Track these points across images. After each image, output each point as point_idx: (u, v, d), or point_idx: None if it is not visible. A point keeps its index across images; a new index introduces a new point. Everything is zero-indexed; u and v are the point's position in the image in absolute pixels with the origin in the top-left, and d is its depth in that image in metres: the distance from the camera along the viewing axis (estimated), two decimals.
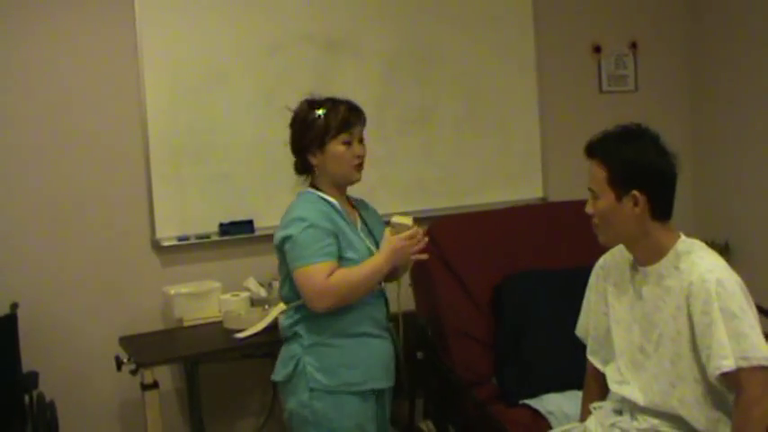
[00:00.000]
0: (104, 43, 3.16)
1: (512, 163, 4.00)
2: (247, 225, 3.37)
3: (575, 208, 3.28)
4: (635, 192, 1.95)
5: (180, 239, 3.28)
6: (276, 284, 3.24)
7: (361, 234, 2.37)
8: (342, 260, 2.25)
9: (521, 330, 2.86)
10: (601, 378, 2.22)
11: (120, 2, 3.16)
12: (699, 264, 1.94)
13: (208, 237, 3.33)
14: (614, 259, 2.18)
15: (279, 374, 2.33)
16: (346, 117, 2.32)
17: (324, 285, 2.18)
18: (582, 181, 2.07)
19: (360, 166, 2.35)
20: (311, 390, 2.24)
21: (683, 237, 2.02)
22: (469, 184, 3.87)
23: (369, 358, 2.32)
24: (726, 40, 4.27)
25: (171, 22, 3.23)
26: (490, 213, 3.41)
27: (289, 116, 2.37)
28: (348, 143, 2.31)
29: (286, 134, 2.35)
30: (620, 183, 1.96)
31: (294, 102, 2.36)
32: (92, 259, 3.17)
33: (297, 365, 2.26)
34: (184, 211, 3.29)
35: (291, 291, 2.31)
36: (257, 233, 3.38)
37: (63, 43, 3.09)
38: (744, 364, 1.83)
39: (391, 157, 3.62)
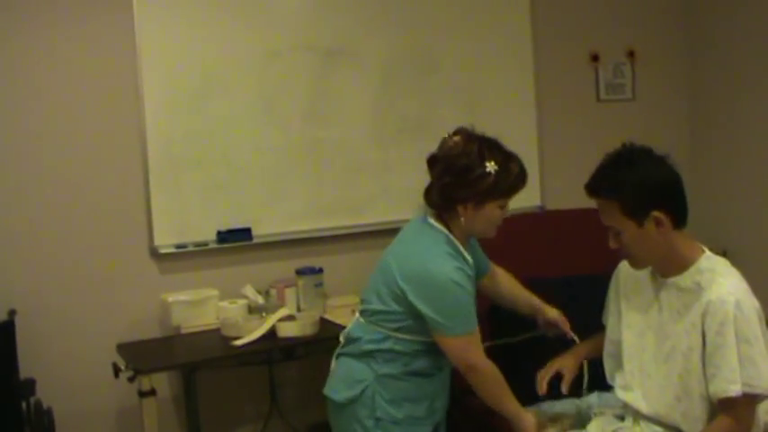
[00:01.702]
0: (103, 50, 3.16)
1: None
2: (245, 233, 3.36)
3: (573, 216, 3.31)
4: (654, 213, 1.92)
5: (178, 247, 3.28)
6: (273, 292, 3.26)
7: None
8: None
9: (519, 337, 2.86)
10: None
11: (118, 8, 3.16)
12: (721, 284, 1.92)
13: (206, 244, 3.32)
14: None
15: (340, 395, 2.19)
16: (516, 184, 2.15)
17: (478, 366, 2.12)
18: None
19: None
20: (377, 419, 2.15)
21: (707, 252, 2.01)
22: None
23: (434, 393, 2.25)
24: (724, 49, 4.28)
25: (170, 29, 3.24)
26: None
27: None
28: (503, 207, 2.16)
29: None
30: (637, 210, 1.93)
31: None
32: (90, 266, 3.16)
33: (364, 391, 2.16)
34: (182, 218, 3.29)
35: (395, 322, 2.16)
36: (255, 241, 3.38)
37: (61, 49, 3.09)
38: (747, 390, 1.84)
39: (389, 165, 3.61)
